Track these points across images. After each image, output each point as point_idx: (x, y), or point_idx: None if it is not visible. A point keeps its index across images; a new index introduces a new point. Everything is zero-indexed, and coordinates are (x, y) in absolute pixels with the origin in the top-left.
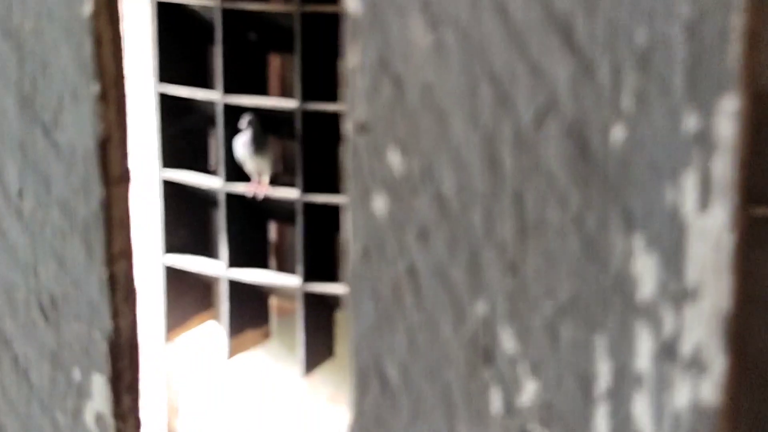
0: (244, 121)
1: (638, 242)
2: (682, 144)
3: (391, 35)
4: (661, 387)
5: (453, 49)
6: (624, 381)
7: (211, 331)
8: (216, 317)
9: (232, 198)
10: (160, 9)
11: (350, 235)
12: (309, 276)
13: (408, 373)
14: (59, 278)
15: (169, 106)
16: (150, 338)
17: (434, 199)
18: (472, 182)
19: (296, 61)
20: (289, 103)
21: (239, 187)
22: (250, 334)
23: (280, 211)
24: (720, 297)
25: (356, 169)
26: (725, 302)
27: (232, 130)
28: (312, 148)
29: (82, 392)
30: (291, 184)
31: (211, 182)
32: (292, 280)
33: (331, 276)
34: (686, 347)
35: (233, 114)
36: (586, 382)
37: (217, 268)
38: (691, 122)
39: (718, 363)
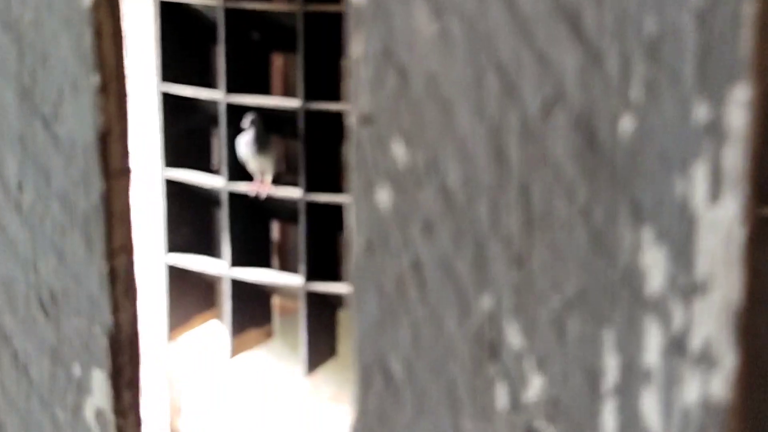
0: (246, 121)
1: (647, 235)
2: (692, 134)
3: (395, 24)
4: (670, 382)
5: (458, 39)
6: (632, 376)
7: (214, 330)
8: (218, 316)
9: (234, 197)
10: (163, 8)
11: (353, 228)
12: (311, 275)
13: (412, 369)
14: (59, 273)
15: (171, 105)
16: (152, 337)
17: (439, 191)
18: (477, 174)
19: (299, 60)
20: (292, 103)
21: (242, 187)
22: (252, 334)
23: (283, 210)
24: (731, 290)
25: (360, 161)
26: (736, 296)
27: (234, 130)
28: (315, 148)
29: (82, 388)
30: (294, 184)
31: (214, 181)
32: (294, 280)
33: (334, 275)
34: (696, 342)
35: (236, 113)
36: (593, 377)
37: (219, 267)
38: (701, 112)
39: (728, 358)
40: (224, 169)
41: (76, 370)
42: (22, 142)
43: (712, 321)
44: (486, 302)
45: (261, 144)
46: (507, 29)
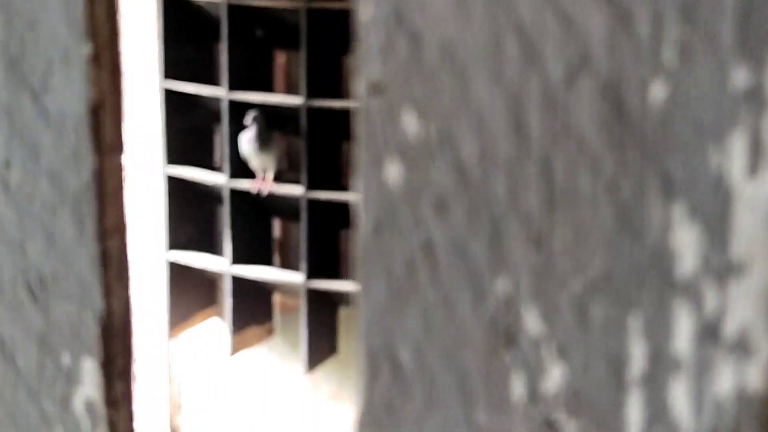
0: (249, 118)
1: (678, 212)
2: (729, 102)
3: None
4: (702, 372)
5: (475, 0)
6: (660, 365)
7: (214, 327)
8: (219, 314)
9: (236, 194)
10: (166, 5)
11: (361, 206)
12: (313, 273)
13: (422, 358)
14: (48, 255)
15: (174, 102)
16: (153, 334)
17: (453, 166)
18: (495, 147)
19: (302, 57)
20: (295, 100)
21: (244, 184)
22: (253, 331)
23: (285, 207)
24: None
25: (368, 134)
26: None
27: (237, 127)
28: (317, 145)
29: (71, 378)
30: (296, 181)
31: (216, 178)
32: (295, 277)
33: (335, 273)
34: (730, 328)
35: (238, 110)
36: (617, 366)
37: (220, 264)
38: (740, 78)
39: (766, 345)
40: (226, 166)
41: (66, 358)
42: (9, 116)
43: (748, 305)
44: (502, 286)
45: (263, 141)
46: None
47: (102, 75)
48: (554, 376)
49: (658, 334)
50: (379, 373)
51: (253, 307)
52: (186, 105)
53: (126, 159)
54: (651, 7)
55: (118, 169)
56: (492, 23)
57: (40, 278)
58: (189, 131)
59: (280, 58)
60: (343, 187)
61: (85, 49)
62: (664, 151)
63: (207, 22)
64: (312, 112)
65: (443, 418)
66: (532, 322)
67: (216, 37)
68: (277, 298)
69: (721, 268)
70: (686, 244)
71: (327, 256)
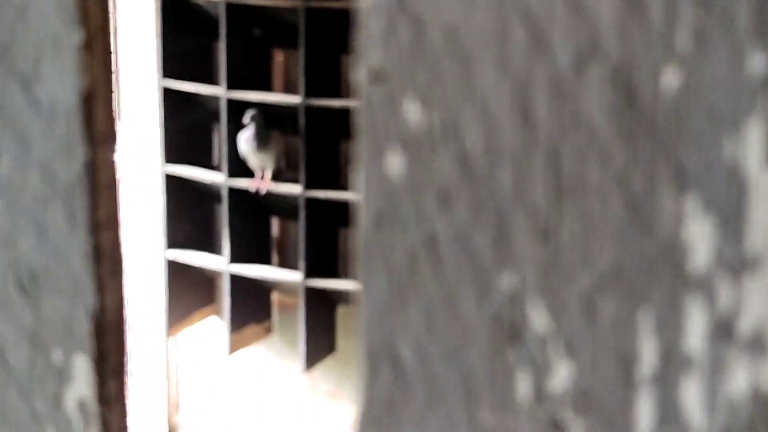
0: (247, 117)
1: (691, 203)
2: (745, 89)
3: None
4: (715, 371)
5: None
6: (671, 363)
7: (213, 326)
8: (218, 312)
9: (234, 193)
10: (164, 3)
11: (361, 199)
12: (311, 272)
13: (424, 355)
14: (39, 249)
15: (172, 100)
16: (152, 333)
17: (457, 157)
18: (500, 137)
19: (300, 56)
20: (293, 99)
21: (242, 183)
22: (251, 330)
23: (283, 206)
24: None
25: (369, 123)
26: None
27: (235, 126)
28: (315, 144)
29: (63, 375)
30: (294, 180)
31: (214, 177)
32: (294, 276)
33: (333, 272)
34: (745, 325)
35: (237, 109)
36: (627, 364)
37: (219, 263)
38: (757, 64)
39: None
40: (224, 164)
41: (58, 355)
42: None
43: (764, 301)
44: (508, 281)
45: (261, 140)
46: None
47: (94, 62)
48: (561, 375)
49: (670, 331)
50: (380, 371)
51: (252, 306)
52: (184, 104)
53: (124, 157)
54: None
55: (111, 160)
56: (498, 8)
57: (30, 273)
58: (187, 130)
59: (279, 57)
60: (341, 186)
61: (77, 36)
62: (677, 141)
63: (205, 21)
64: (310, 111)
65: (445, 417)
66: (538, 318)
67: (214, 35)
68: (275, 297)
69: (736, 262)
70: (699, 237)
71: (325, 255)
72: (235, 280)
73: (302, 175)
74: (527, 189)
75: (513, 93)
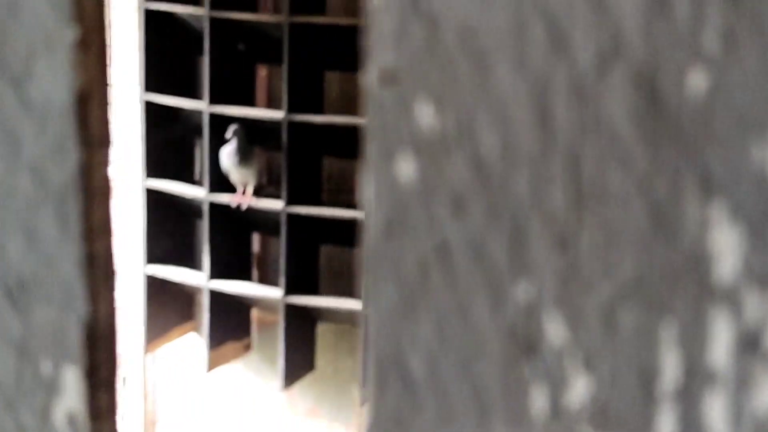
0: (230, 131)
1: (718, 211)
2: None
3: None
4: (740, 386)
5: None
6: (695, 378)
7: (192, 342)
8: (197, 329)
9: (215, 208)
10: (148, 17)
11: (370, 205)
12: (291, 288)
13: (435, 368)
14: (29, 256)
15: (155, 114)
16: (130, 349)
17: (472, 161)
18: (517, 141)
19: (284, 71)
20: (276, 114)
21: (223, 198)
22: (230, 347)
23: (264, 222)
24: None
25: (379, 126)
26: None
27: (217, 140)
28: (297, 160)
29: (52, 388)
30: (275, 196)
31: (195, 192)
32: (274, 293)
33: (314, 289)
34: None
35: (219, 124)
36: (648, 378)
37: (198, 278)
38: None
39: None
40: (206, 179)
41: (47, 367)
42: None
43: None
44: (523, 291)
45: (243, 155)
46: None
47: (89, 61)
48: (578, 389)
49: (693, 344)
50: (389, 384)
51: (231, 323)
52: (166, 118)
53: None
54: None
55: (105, 163)
56: (515, 6)
57: (19, 280)
58: (169, 144)
59: (262, 72)
60: (323, 202)
61: (71, 33)
62: (703, 146)
63: (189, 35)
64: (293, 126)
65: None
66: (555, 330)
67: (198, 50)
68: (255, 314)
69: (764, 273)
70: (726, 246)
71: (306, 272)
72: (215, 296)
73: (284, 191)
74: (545, 195)
75: (531, 95)
